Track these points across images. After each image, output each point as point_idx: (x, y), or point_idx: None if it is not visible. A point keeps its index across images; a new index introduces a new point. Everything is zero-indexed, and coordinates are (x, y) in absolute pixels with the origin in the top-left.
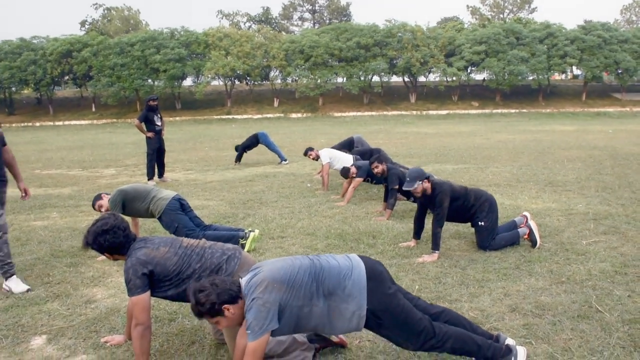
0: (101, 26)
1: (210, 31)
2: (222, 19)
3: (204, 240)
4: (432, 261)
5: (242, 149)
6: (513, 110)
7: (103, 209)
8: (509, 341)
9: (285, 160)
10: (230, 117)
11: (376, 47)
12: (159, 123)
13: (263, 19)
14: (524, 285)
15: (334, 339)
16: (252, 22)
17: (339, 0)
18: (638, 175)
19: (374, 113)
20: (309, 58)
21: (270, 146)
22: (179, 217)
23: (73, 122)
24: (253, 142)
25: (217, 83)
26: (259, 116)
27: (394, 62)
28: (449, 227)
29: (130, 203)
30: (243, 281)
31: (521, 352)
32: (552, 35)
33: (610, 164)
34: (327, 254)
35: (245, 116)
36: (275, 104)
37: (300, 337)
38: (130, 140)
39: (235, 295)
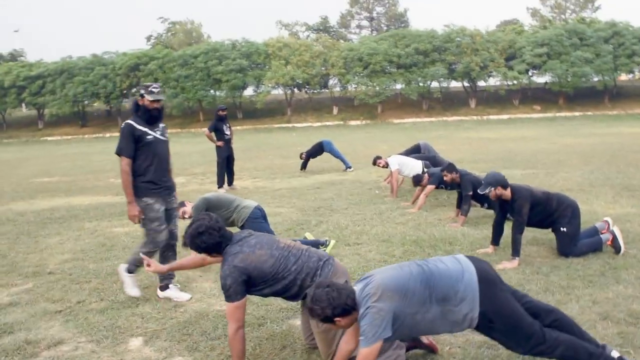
0: (166, 40)
1: (270, 41)
2: (281, 29)
3: (299, 242)
4: (513, 267)
5: (307, 156)
6: (577, 113)
7: (186, 216)
8: (614, 353)
9: (350, 167)
10: (290, 125)
11: (435, 52)
12: (227, 132)
13: (321, 28)
14: (612, 292)
15: (424, 340)
16: (310, 32)
17: (397, 7)
18: None
19: (433, 119)
20: (368, 65)
21: (335, 153)
22: (262, 225)
23: None
24: (318, 150)
25: (277, 92)
26: (319, 124)
27: (453, 67)
28: (526, 234)
29: (213, 211)
30: (356, 289)
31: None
32: (618, 34)
33: None
34: (434, 258)
35: (305, 124)
36: (335, 111)
37: None
38: (195, 149)
39: (349, 309)
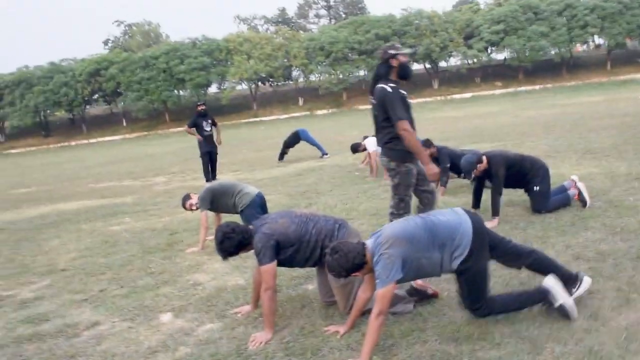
0: (124, 43)
1: (231, 37)
2: (240, 24)
3: (314, 210)
4: (493, 227)
5: (284, 146)
6: (537, 87)
7: (194, 208)
8: (586, 278)
9: (327, 154)
10: (257, 119)
11: (395, 36)
12: (207, 128)
13: (280, 20)
14: (582, 238)
15: (429, 291)
16: (269, 24)
17: None
18: None
19: None
20: (330, 54)
21: (311, 141)
22: (261, 211)
23: (106, 139)
24: (294, 139)
25: (242, 87)
26: (286, 116)
27: (414, 49)
28: (502, 197)
29: (218, 199)
30: (369, 243)
31: (586, 281)
32: (571, 6)
33: None
34: (435, 211)
35: (272, 117)
36: (300, 102)
37: (401, 292)
38: (167, 150)
39: (359, 265)
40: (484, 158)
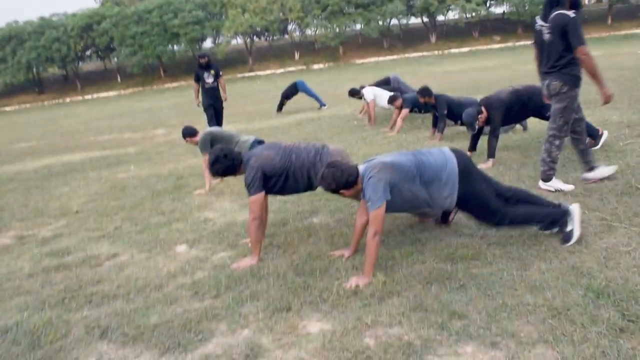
0: None
1: None
2: None
3: (298, 141)
4: (488, 168)
5: (282, 98)
6: None
7: (191, 143)
8: (571, 205)
9: (325, 105)
10: (253, 74)
11: None
12: (209, 80)
13: None
14: (571, 178)
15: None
16: None
17: None
18: None
19: (395, 57)
20: (326, 7)
21: (309, 92)
22: None
23: (102, 95)
24: (292, 90)
25: (237, 42)
26: (282, 70)
27: (412, 3)
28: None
29: (217, 143)
30: (361, 168)
31: (575, 209)
32: None
33: None
34: (423, 150)
35: (267, 72)
36: (296, 57)
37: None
38: (164, 104)
39: (351, 183)
40: (483, 108)
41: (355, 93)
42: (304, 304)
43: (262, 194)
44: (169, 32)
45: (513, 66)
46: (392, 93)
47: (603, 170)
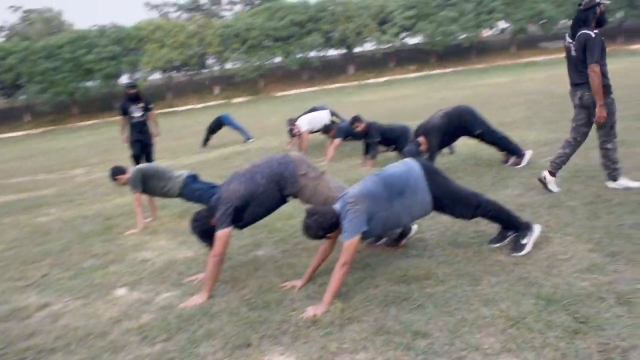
0: (22, 31)
1: (142, 25)
2: (150, 10)
3: (255, 161)
4: None
5: (207, 132)
6: (449, 70)
7: (120, 183)
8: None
9: (251, 138)
10: (172, 109)
11: (310, 22)
12: (137, 114)
13: (192, 7)
14: (503, 194)
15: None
16: (181, 11)
17: None
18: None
19: (315, 88)
20: (245, 41)
21: (234, 126)
22: (197, 185)
23: (8, 135)
24: (217, 124)
25: (155, 77)
26: (202, 105)
27: (329, 35)
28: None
29: (149, 180)
30: (337, 205)
31: (537, 228)
32: None
33: (549, 102)
34: (387, 167)
35: (187, 107)
36: (216, 91)
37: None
38: (78, 143)
39: (335, 224)
40: (422, 139)
41: (292, 130)
42: (264, 338)
43: (229, 230)
44: (83, 67)
45: (428, 94)
46: (324, 111)
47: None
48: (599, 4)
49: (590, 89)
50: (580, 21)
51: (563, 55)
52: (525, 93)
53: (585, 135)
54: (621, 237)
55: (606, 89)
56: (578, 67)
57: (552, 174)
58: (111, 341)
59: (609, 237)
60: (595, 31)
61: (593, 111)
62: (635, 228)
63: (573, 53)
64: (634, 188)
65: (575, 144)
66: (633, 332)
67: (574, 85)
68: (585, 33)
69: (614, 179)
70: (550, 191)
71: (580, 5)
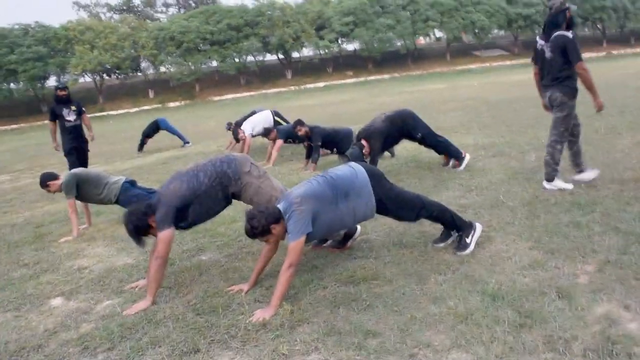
0: None
1: (70, 25)
2: (79, 10)
3: (198, 161)
4: None
5: (143, 136)
6: (386, 76)
7: (52, 190)
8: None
9: (189, 142)
10: (104, 113)
11: (247, 27)
12: (70, 118)
13: (125, 8)
14: (444, 196)
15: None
16: (113, 12)
17: None
18: (508, 115)
19: (252, 93)
20: (181, 44)
21: (171, 130)
22: (135, 190)
23: None
24: (154, 129)
25: (85, 80)
26: (136, 109)
27: (267, 40)
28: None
29: (84, 185)
30: (281, 205)
31: (479, 227)
32: (414, 1)
33: (485, 109)
34: (332, 168)
35: (120, 111)
36: (151, 95)
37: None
38: (3, 148)
39: (278, 217)
40: (364, 141)
41: (237, 136)
42: (212, 344)
43: (172, 230)
44: (4, 68)
45: (368, 99)
46: (266, 111)
47: (590, 174)
48: (568, 7)
49: (563, 89)
50: (552, 24)
51: (497, 63)
52: (461, 99)
53: (576, 125)
54: (559, 235)
55: (573, 91)
56: (553, 67)
57: (580, 171)
58: (48, 354)
59: (548, 235)
60: (571, 32)
61: (557, 110)
62: (572, 226)
63: (548, 55)
64: (567, 189)
65: (574, 138)
66: (574, 323)
67: (545, 86)
68: (563, 35)
69: (550, 180)
70: (589, 181)
71: (551, 9)
